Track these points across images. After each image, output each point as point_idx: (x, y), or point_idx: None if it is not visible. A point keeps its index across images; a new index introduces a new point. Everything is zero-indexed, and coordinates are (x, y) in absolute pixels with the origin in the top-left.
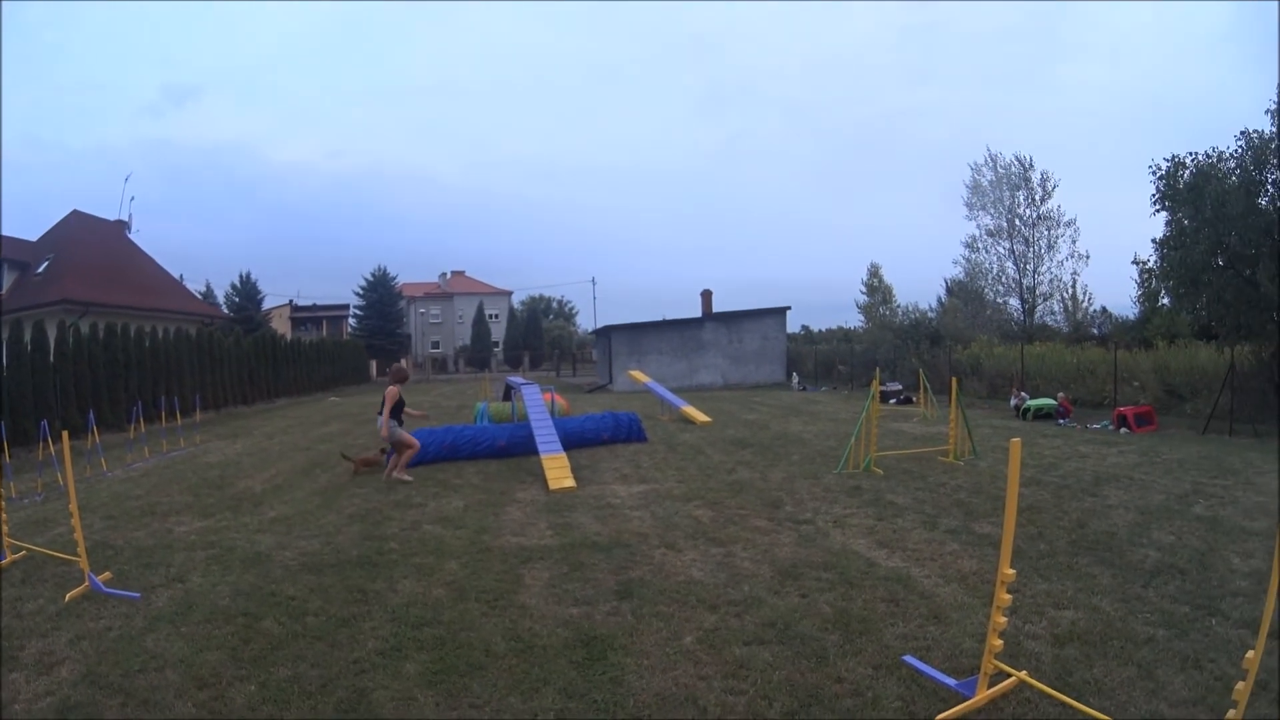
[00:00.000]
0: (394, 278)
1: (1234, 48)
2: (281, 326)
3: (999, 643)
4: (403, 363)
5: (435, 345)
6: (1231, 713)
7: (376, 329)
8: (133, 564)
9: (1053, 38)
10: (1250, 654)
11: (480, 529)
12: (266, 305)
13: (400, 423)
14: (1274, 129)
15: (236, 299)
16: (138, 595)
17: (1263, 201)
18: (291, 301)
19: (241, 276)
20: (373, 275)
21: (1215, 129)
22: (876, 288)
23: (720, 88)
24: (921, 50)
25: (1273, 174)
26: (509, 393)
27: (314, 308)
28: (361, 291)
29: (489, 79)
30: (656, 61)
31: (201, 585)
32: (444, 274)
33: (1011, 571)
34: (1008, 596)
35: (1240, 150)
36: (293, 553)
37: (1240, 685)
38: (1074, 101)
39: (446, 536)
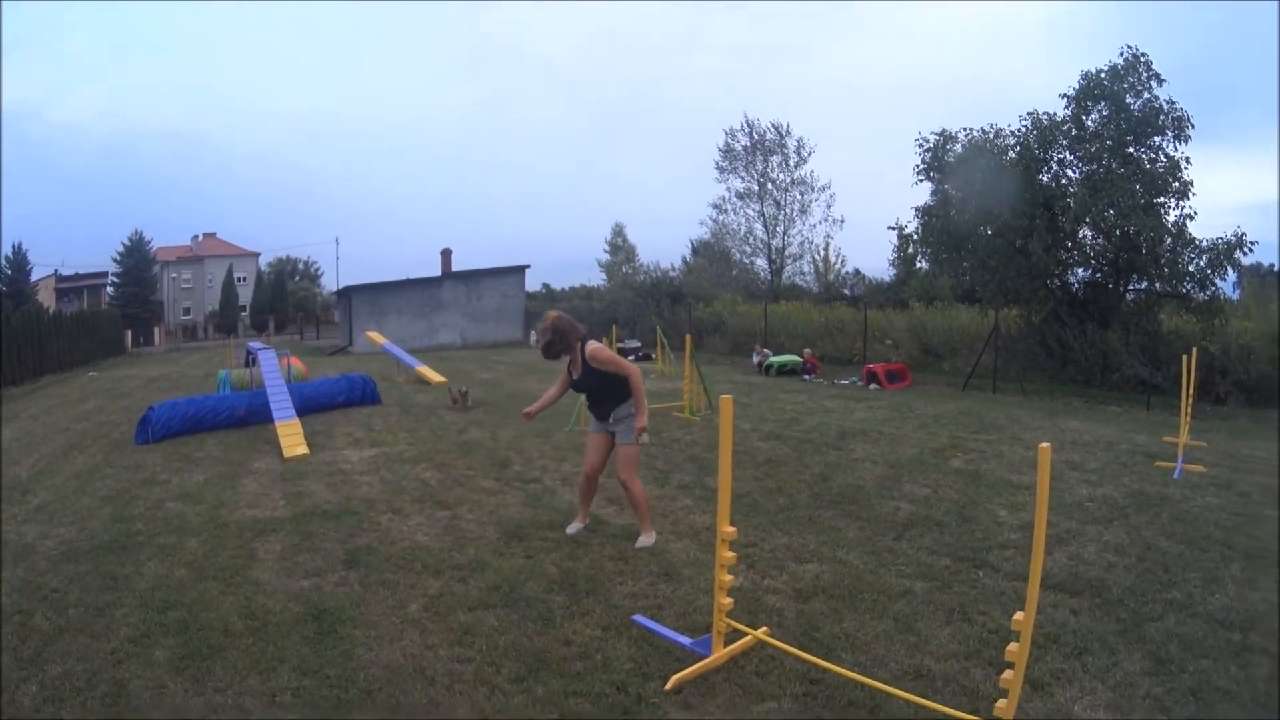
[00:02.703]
0: (149, 242)
1: (1039, 43)
2: (47, 299)
3: (728, 600)
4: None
5: (186, 312)
6: (1008, 673)
7: (132, 296)
8: None
9: (835, 15)
10: (1019, 615)
11: (218, 503)
12: (35, 277)
13: None
14: (1068, 112)
15: (9, 271)
16: None
17: (1044, 178)
18: (56, 271)
19: (14, 247)
20: (129, 240)
21: (999, 112)
22: (620, 246)
23: (485, 46)
24: (694, 18)
25: (1059, 153)
26: (251, 359)
27: (76, 277)
28: (118, 258)
29: (256, 34)
30: (423, 18)
31: None
32: (196, 236)
33: (731, 529)
34: (730, 554)
35: (1025, 129)
36: (54, 542)
37: (1013, 646)
38: (847, 76)
39: (187, 513)
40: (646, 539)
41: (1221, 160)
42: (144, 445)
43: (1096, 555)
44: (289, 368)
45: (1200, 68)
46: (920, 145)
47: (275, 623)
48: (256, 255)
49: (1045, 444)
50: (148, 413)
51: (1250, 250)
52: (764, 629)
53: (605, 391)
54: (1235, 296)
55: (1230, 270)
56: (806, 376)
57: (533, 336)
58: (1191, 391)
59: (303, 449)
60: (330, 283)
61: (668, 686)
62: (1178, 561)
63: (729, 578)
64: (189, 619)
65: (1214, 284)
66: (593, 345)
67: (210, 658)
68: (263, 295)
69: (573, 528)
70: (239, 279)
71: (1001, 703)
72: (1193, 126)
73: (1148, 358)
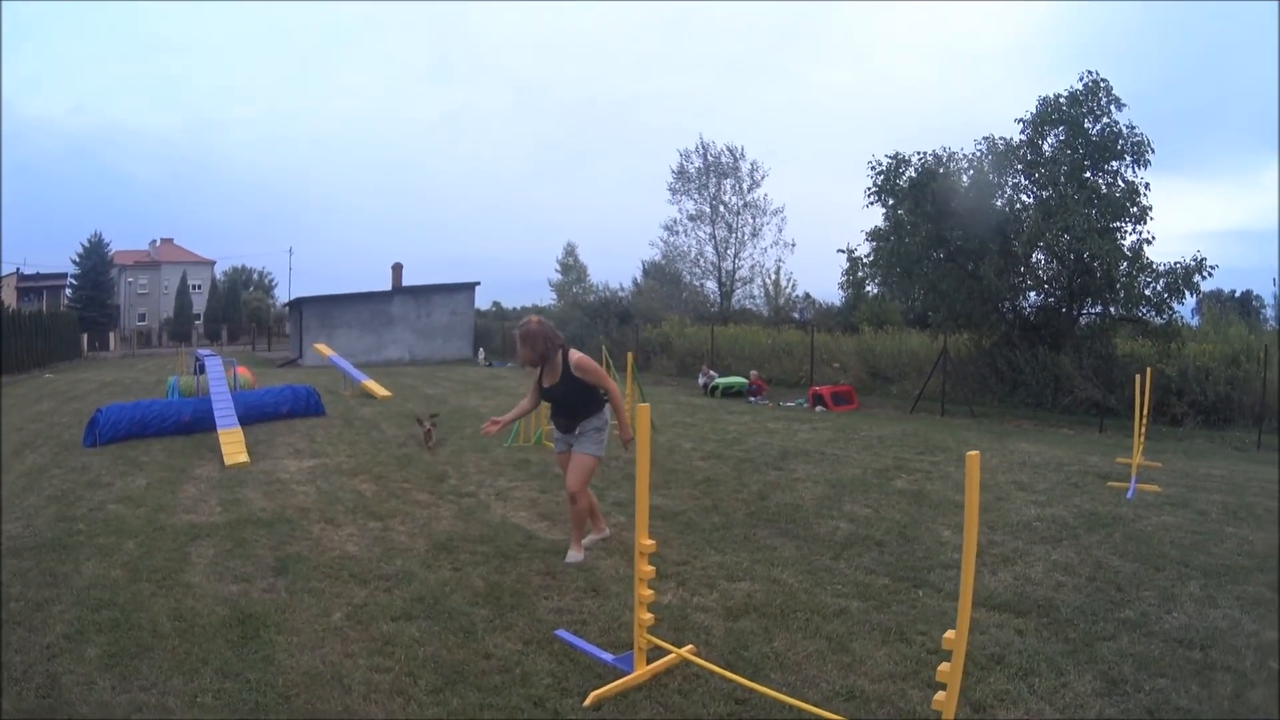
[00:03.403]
0: (108, 244)
1: (997, 68)
2: (9, 297)
3: (649, 616)
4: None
5: (142, 318)
6: (940, 695)
7: (90, 299)
8: None
9: (800, 39)
10: (950, 633)
11: (158, 507)
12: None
13: None
14: (1023, 137)
15: None
16: None
17: (998, 202)
18: (18, 269)
19: None
20: (89, 241)
21: (954, 136)
22: (571, 266)
23: (448, 59)
24: (658, 41)
25: (1013, 178)
26: (199, 366)
27: (38, 276)
28: (78, 260)
29: (227, 35)
30: (389, 27)
31: None
32: (154, 241)
33: (650, 542)
34: (649, 568)
35: (980, 153)
36: None
37: (945, 666)
38: (807, 99)
39: (127, 516)
40: (576, 555)
41: (1183, 187)
42: (92, 448)
43: (1044, 575)
44: (234, 377)
45: (1162, 94)
46: (872, 168)
47: (202, 625)
48: (212, 263)
49: (974, 452)
50: (95, 415)
51: (1210, 275)
52: (689, 647)
53: (580, 402)
54: (1194, 321)
55: (1189, 295)
56: (752, 399)
57: (481, 354)
58: (1145, 412)
59: (243, 457)
60: (283, 294)
61: (586, 703)
62: (1131, 580)
63: (649, 592)
64: (121, 618)
65: (1171, 308)
66: (577, 354)
67: (138, 657)
68: (216, 304)
69: (570, 557)
70: (194, 286)
71: None
72: (1153, 151)
73: (1101, 380)
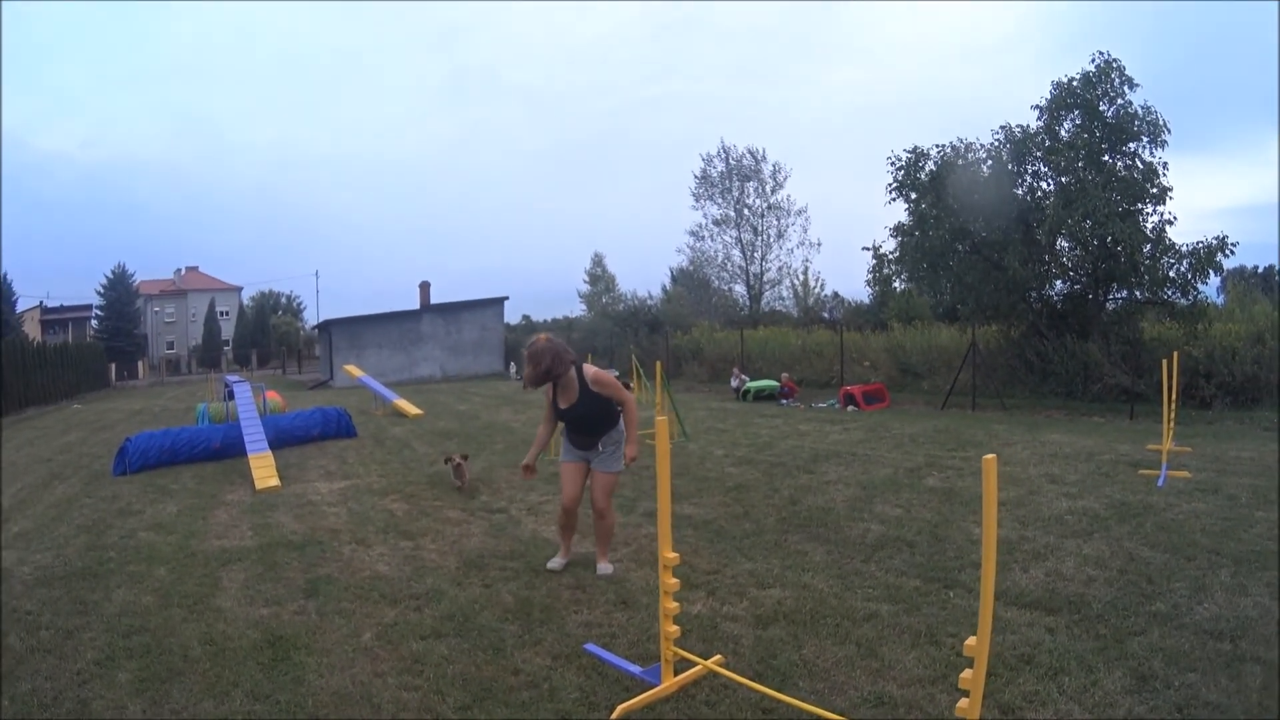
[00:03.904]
0: (132, 275)
1: (1012, 56)
2: (33, 330)
3: (674, 628)
4: None
5: (170, 346)
6: (964, 702)
7: (116, 330)
8: None
9: (807, 39)
10: (971, 640)
11: (189, 533)
12: (20, 308)
13: None
14: (1040, 123)
15: None
16: None
17: (1019, 191)
18: (41, 303)
19: None
20: (112, 273)
21: (974, 128)
22: (599, 276)
23: (463, 76)
24: (670, 45)
25: (1033, 165)
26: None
27: (62, 309)
28: (102, 291)
29: (239, 63)
30: (402, 48)
31: None
32: (179, 270)
33: (674, 555)
34: (674, 580)
35: (997, 143)
36: (30, 567)
37: (967, 673)
38: (822, 99)
39: (158, 543)
40: (606, 567)
41: (1201, 165)
42: (121, 476)
43: (1075, 570)
44: (263, 401)
45: (1176, 74)
46: (892, 164)
47: (233, 649)
48: (239, 289)
49: (990, 456)
50: (124, 444)
51: (1232, 253)
52: (717, 657)
53: (601, 418)
54: (1220, 300)
55: (1213, 274)
56: (784, 401)
57: (513, 368)
58: (1174, 397)
59: (274, 481)
60: (312, 317)
61: (613, 716)
62: (1162, 572)
63: (674, 605)
64: (152, 644)
65: (1196, 289)
66: (592, 369)
67: (169, 681)
68: (245, 329)
69: (556, 563)
70: (221, 313)
71: None
72: (1169, 131)
73: (1129, 366)
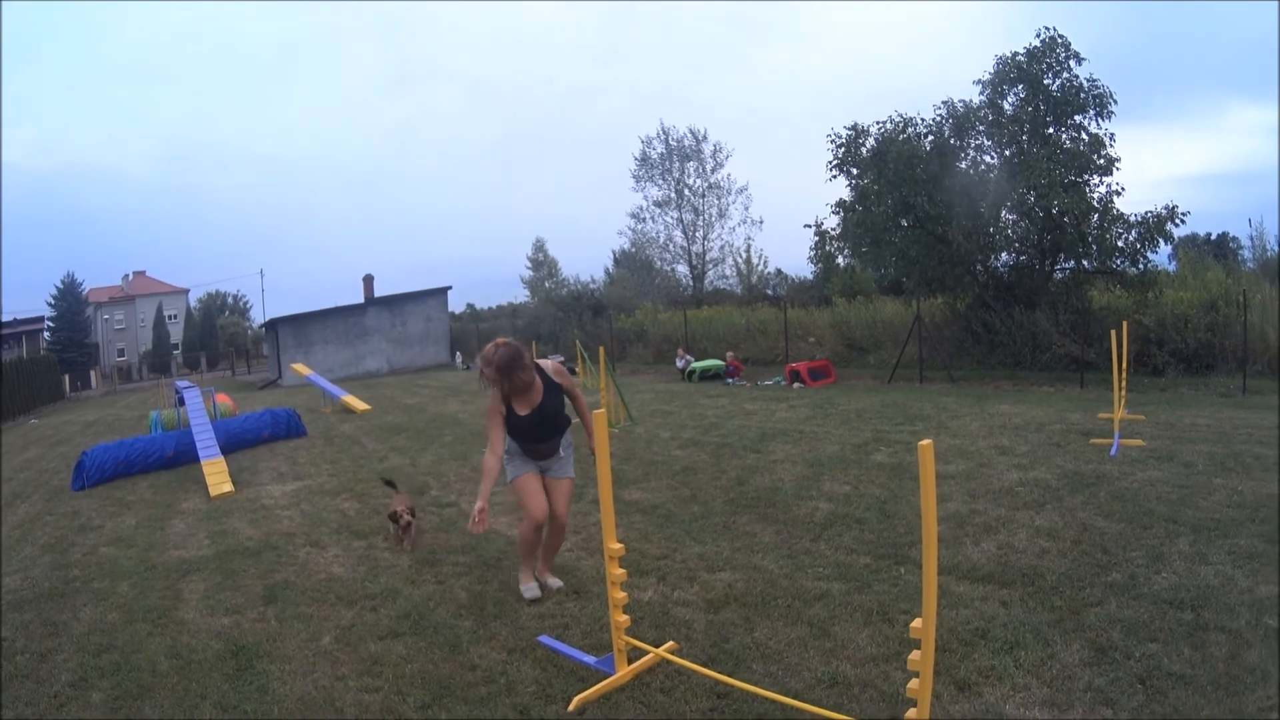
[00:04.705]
0: (81, 283)
1: (958, 40)
2: None
3: (625, 618)
4: None
5: (121, 353)
6: (914, 682)
7: (68, 341)
8: None
9: (748, 20)
10: (917, 622)
11: (148, 546)
12: None
13: None
14: (983, 98)
15: None
16: None
17: (962, 165)
18: None
19: None
20: (62, 283)
21: (918, 107)
22: (542, 262)
23: (404, 68)
24: (612, 32)
25: (976, 140)
26: (179, 398)
27: (15, 322)
28: (53, 301)
29: (184, 62)
30: (343, 42)
31: None
32: (126, 275)
33: (619, 545)
34: (620, 571)
35: (940, 118)
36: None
37: (916, 654)
38: (766, 82)
39: (119, 557)
40: (557, 581)
41: (1158, 135)
42: (80, 491)
43: (1028, 542)
44: (214, 405)
45: (1124, 46)
46: (832, 141)
47: (198, 661)
48: (186, 291)
49: (926, 441)
50: (81, 458)
51: (1183, 221)
52: (670, 644)
53: (561, 416)
54: (1172, 268)
55: (1163, 243)
56: (729, 380)
57: (459, 358)
58: (1125, 365)
59: (228, 486)
60: (259, 316)
61: (570, 707)
62: (1117, 542)
63: (622, 595)
64: (122, 661)
65: (1145, 257)
66: (550, 363)
67: (140, 698)
68: (193, 332)
69: (534, 590)
70: (169, 316)
71: (911, 712)
72: (1115, 102)
73: (1078, 335)
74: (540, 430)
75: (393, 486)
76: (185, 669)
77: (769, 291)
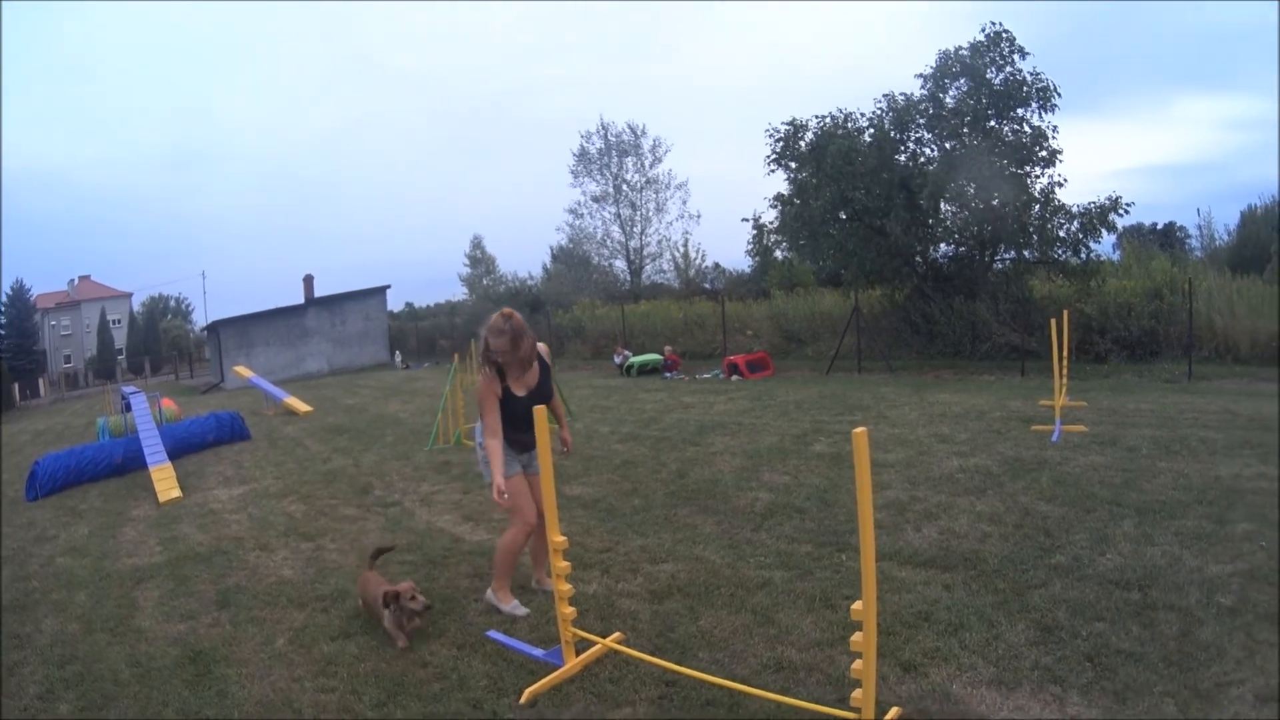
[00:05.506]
0: (29, 290)
1: (904, 36)
2: None
3: (571, 610)
4: None
5: (68, 359)
6: (858, 663)
7: (17, 349)
8: None
9: (688, 16)
10: (858, 605)
11: (102, 554)
12: None
13: None
14: (925, 92)
15: None
16: None
17: (901, 158)
18: None
19: None
20: (11, 290)
21: (860, 103)
22: (479, 259)
23: (342, 64)
24: (546, 28)
25: (916, 133)
26: (125, 405)
27: None
28: (2, 309)
29: (122, 63)
30: (282, 40)
31: None
32: (72, 280)
33: (562, 539)
34: (565, 563)
35: (880, 111)
36: None
37: (858, 636)
38: (703, 74)
39: (75, 567)
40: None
41: (1103, 128)
42: (34, 501)
43: (969, 527)
44: (160, 410)
45: (1070, 40)
46: (771, 136)
47: (158, 668)
48: (129, 296)
49: (860, 429)
50: (33, 468)
51: (1126, 212)
52: (616, 635)
53: (551, 401)
54: (1116, 258)
55: (1106, 233)
56: (668, 374)
57: (398, 356)
58: (1066, 352)
59: (176, 492)
60: (201, 318)
61: (521, 700)
62: (1060, 525)
63: (567, 587)
64: (84, 672)
65: (1088, 247)
66: (541, 346)
67: (105, 708)
68: (137, 336)
69: (521, 608)
70: (113, 321)
71: (857, 693)
72: (1059, 96)
73: (1019, 324)
74: (527, 418)
75: (387, 551)
76: (146, 677)
77: (707, 285)
